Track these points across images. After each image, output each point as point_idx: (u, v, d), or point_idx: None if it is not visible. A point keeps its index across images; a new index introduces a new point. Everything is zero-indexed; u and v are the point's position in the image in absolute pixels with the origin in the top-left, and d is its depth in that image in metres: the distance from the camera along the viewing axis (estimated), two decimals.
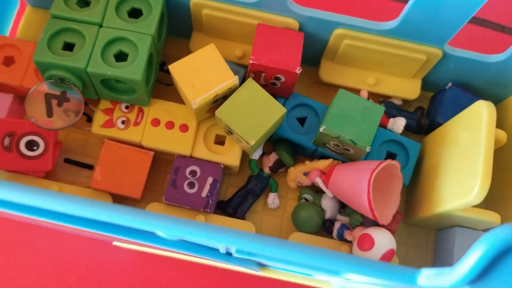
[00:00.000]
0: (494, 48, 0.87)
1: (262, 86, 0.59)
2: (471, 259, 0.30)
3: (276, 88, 0.62)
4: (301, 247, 0.36)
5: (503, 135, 0.58)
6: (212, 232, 0.33)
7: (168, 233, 0.35)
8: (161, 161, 0.66)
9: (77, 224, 0.40)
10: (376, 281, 0.42)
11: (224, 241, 0.34)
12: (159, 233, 0.36)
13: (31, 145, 0.58)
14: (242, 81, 0.61)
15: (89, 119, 0.65)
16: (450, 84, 0.66)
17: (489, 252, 0.29)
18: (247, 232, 0.35)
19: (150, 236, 0.42)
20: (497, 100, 0.68)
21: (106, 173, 0.59)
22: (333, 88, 0.68)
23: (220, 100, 0.58)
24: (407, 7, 0.56)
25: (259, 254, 0.39)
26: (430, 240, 0.67)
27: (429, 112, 0.68)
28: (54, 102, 0.57)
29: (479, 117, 0.53)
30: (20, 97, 0.64)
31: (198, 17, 0.63)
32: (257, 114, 0.57)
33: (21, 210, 0.38)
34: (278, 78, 0.60)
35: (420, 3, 0.54)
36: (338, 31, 0.61)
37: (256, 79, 0.60)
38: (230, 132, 0.59)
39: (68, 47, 0.57)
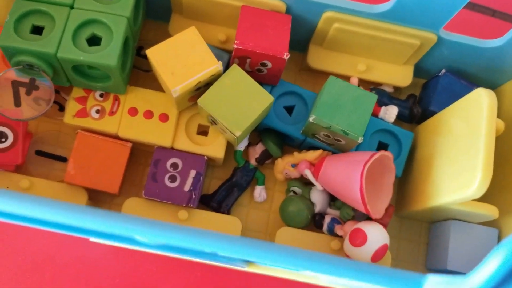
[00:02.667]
0: (483, 33, 0.84)
1: (247, 72, 0.55)
2: (488, 267, 0.27)
3: (262, 75, 0.58)
4: (294, 252, 0.33)
5: (500, 124, 0.55)
6: (198, 237, 0.30)
7: (149, 239, 0.31)
8: (140, 153, 0.62)
9: (49, 227, 0.36)
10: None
11: (212, 247, 0.30)
12: (139, 238, 0.33)
13: None
14: (226, 67, 0.57)
15: (62, 108, 0.61)
16: (443, 70, 0.63)
17: (509, 261, 0.26)
18: (235, 237, 0.32)
19: (129, 239, 0.39)
20: (491, 87, 0.65)
21: (80, 167, 0.55)
22: (322, 75, 0.65)
23: (202, 88, 0.54)
24: None
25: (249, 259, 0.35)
26: (422, 233, 0.65)
27: (421, 100, 0.65)
28: (22, 90, 0.52)
29: (478, 106, 0.51)
30: None
31: None
32: (242, 103, 0.53)
33: None
34: (264, 64, 0.56)
35: None
36: (327, 14, 0.57)
37: (241, 65, 0.56)
38: (214, 122, 0.55)
39: (37, 30, 0.52)
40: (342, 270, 0.33)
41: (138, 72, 0.63)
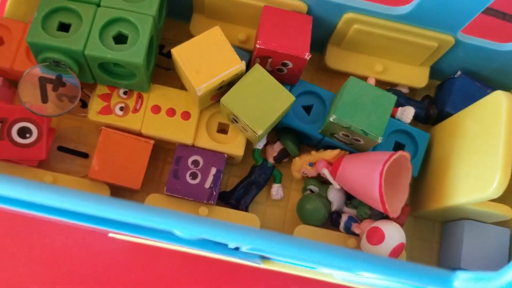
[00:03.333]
0: (494, 36, 0.85)
1: (268, 72, 0.56)
2: None
3: (282, 75, 0.59)
4: (328, 249, 0.34)
5: None
6: (240, 233, 0.31)
7: (187, 234, 0.32)
8: (159, 150, 0.63)
9: (86, 222, 0.37)
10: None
11: (251, 243, 0.31)
12: (176, 232, 0.34)
13: (23, 132, 0.55)
14: (247, 67, 0.58)
15: (84, 105, 0.61)
16: (459, 72, 0.64)
17: None
18: (272, 233, 0.33)
19: (162, 234, 0.40)
20: (504, 89, 0.66)
21: (104, 163, 0.56)
22: (338, 75, 0.66)
23: (225, 87, 0.55)
24: None
25: (282, 254, 0.36)
26: (435, 232, 0.66)
27: (437, 101, 0.66)
28: (49, 87, 0.53)
29: (497, 108, 0.51)
30: (10, 80, 0.60)
31: None
32: (264, 102, 0.54)
33: (22, 207, 0.35)
34: (285, 64, 0.57)
35: None
36: (348, 15, 0.58)
37: (262, 64, 0.57)
38: (235, 120, 0.56)
39: (64, 28, 0.53)
40: (371, 266, 0.34)
41: (159, 70, 0.64)
